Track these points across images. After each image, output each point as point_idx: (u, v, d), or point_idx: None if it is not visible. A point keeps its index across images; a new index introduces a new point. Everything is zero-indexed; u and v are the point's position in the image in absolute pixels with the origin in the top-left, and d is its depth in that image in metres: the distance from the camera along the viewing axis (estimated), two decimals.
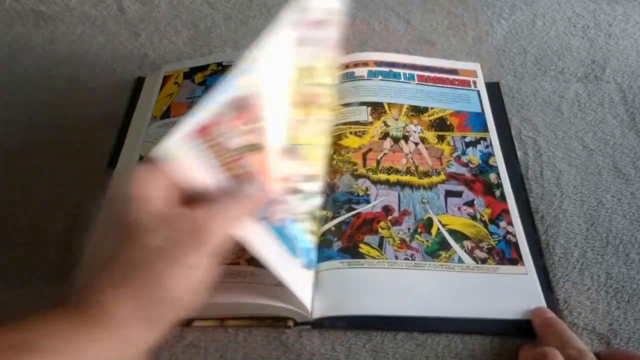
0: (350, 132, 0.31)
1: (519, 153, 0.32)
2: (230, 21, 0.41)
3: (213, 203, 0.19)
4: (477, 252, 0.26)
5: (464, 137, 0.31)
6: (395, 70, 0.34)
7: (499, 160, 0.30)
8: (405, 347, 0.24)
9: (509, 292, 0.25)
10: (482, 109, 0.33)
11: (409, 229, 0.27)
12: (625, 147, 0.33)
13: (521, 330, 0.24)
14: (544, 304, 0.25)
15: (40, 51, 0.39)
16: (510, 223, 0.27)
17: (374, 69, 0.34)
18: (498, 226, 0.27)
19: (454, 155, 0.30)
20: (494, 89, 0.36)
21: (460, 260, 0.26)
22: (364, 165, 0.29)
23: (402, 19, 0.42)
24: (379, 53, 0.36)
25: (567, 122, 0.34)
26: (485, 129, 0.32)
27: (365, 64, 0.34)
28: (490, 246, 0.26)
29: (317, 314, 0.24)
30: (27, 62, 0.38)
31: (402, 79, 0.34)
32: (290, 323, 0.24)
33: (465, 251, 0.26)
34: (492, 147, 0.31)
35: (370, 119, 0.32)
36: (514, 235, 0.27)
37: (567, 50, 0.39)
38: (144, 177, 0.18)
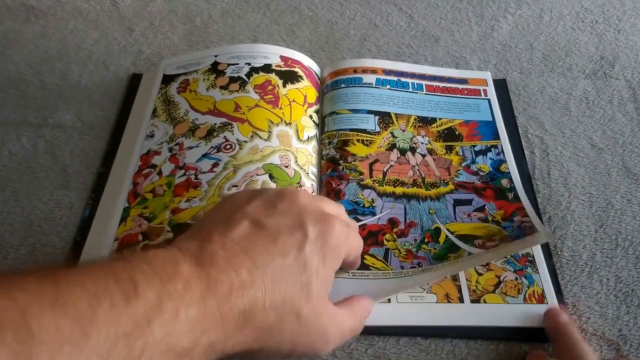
0: (358, 140, 0.30)
1: (525, 152, 0.31)
2: (228, 16, 0.40)
3: (351, 314, 0.21)
4: (489, 244, 0.25)
5: (474, 146, 0.31)
6: (403, 79, 0.34)
7: (511, 166, 0.30)
8: (409, 352, 0.24)
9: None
10: (493, 117, 0.32)
11: (415, 240, 0.26)
12: (635, 145, 0.32)
13: (529, 335, 0.24)
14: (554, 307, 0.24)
15: (31, 47, 0.38)
16: (525, 216, 0.26)
17: (382, 77, 0.34)
18: (512, 221, 0.26)
19: (463, 164, 0.30)
20: (500, 86, 0.35)
21: (470, 253, 0.25)
22: (370, 175, 0.29)
23: (404, 13, 0.41)
24: (388, 61, 0.35)
25: (575, 120, 0.33)
26: (496, 136, 0.31)
27: (373, 71, 0.34)
28: (502, 236, 0.25)
29: None
30: (17, 58, 0.37)
31: (411, 89, 0.33)
32: None
33: (475, 247, 0.25)
34: (503, 154, 0.30)
35: (378, 129, 0.31)
36: (530, 222, 0.26)
37: (575, 46, 0.38)
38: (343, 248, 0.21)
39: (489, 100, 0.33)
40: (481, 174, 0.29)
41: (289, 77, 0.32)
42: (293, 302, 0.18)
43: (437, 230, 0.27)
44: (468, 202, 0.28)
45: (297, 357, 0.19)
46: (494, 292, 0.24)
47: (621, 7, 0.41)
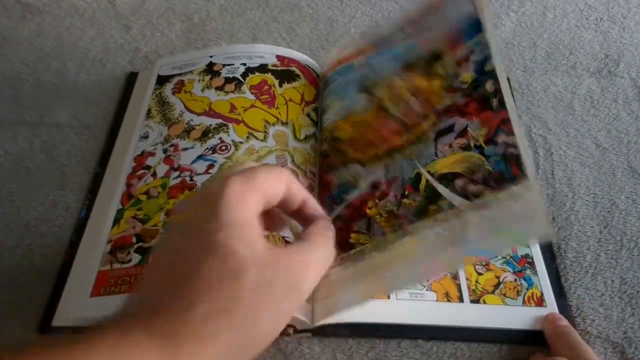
0: (346, 124, 0.29)
1: (528, 152, 0.31)
2: (226, 13, 0.40)
3: (306, 245, 0.19)
4: (470, 187, 0.23)
5: (455, 55, 0.25)
6: (394, 42, 0.29)
7: (496, 60, 0.24)
8: (410, 355, 0.23)
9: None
10: (475, 7, 0.24)
11: (395, 197, 0.24)
12: None
13: (528, 338, 0.23)
14: (556, 310, 0.24)
15: (27, 45, 0.37)
16: (510, 133, 0.22)
17: (373, 53, 0.30)
18: (496, 144, 0.23)
19: (445, 86, 0.25)
20: None
21: (450, 205, 0.22)
22: (355, 150, 0.27)
23: (406, 11, 0.40)
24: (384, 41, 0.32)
25: (579, 120, 0.33)
26: (480, 29, 0.24)
27: (364, 51, 0.31)
28: (485, 173, 0.23)
29: (318, 321, 0.23)
30: (12, 56, 0.36)
31: (400, 45, 0.28)
32: (290, 330, 0.23)
33: (456, 193, 0.22)
34: (488, 48, 0.24)
35: (367, 103, 0.28)
36: (515, 147, 0.22)
37: (579, 44, 0.37)
38: (241, 195, 0.17)
39: None
40: (464, 87, 0.25)
41: (286, 76, 0.32)
42: (237, 288, 0.16)
43: (418, 177, 0.24)
44: (450, 129, 0.24)
45: (289, 319, 0.18)
46: (493, 292, 0.24)
47: (626, 4, 0.40)
